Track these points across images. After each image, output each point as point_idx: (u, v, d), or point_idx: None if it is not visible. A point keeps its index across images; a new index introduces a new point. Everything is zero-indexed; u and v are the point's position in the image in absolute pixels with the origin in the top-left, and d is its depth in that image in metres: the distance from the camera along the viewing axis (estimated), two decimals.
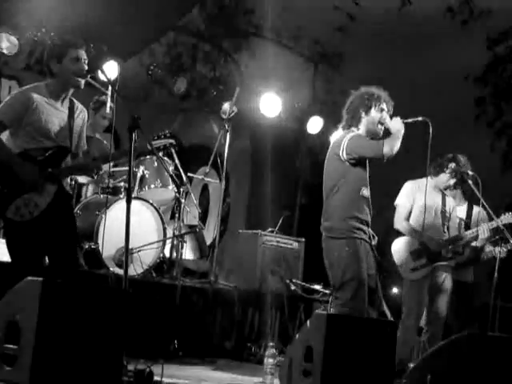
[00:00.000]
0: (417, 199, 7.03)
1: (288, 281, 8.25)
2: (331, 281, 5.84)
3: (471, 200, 7.70)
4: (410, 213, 7.07)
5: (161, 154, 7.12)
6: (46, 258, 5.42)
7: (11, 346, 4.03)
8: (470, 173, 6.93)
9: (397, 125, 5.78)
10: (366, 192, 5.83)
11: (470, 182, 6.92)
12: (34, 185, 5.17)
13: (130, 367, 4.61)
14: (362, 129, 5.90)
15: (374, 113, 5.86)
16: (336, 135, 6.05)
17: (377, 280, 5.94)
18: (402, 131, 5.75)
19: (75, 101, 5.53)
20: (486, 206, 6.89)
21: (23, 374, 3.90)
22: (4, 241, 5.43)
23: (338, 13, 12.57)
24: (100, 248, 6.86)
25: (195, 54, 11.87)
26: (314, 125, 10.83)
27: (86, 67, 5.31)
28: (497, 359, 5.73)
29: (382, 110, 5.87)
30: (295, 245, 8.69)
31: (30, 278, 4.19)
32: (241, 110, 8.91)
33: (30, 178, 5.16)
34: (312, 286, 8.42)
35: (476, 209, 7.59)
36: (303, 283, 8.42)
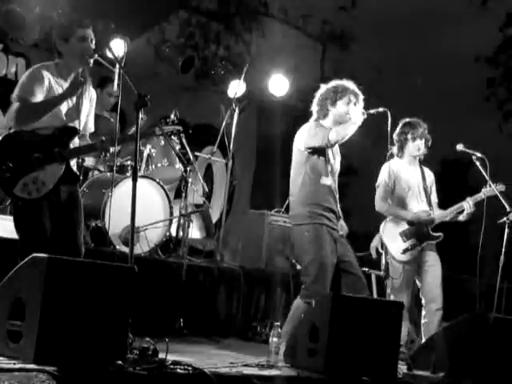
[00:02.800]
0: (397, 178, 7.04)
1: (294, 260, 8.26)
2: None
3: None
4: (392, 194, 7.06)
5: None
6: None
7: (16, 322, 4.04)
8: (478, 154, 6.92)
9: (355, 116, 6.00)
10: (327, 181, 6.07)
11: (477, 163, 6.90)
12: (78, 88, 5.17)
13: (135, 345, 4.62)
14: (329, 121, 6.12)
15: (340, 105, 6.09)
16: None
17: (355, 265, 6.10)
18: (358, 121, 5.96)
19: None
20: (494, 188, 6.87)
21: (28, 351, 3.91)
22: (10, 218, 5.44)
23: None
24: (106, 226, 6.86)
25: (207, 33, 11.84)
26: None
27: (94, 46, 5.29)
28: (502, 340, 5.74)
29: (348, 102, 6.08)
30: None
31: (35, 254, 4.19)
32: (249, 90, 8.90)
33: (77, 86, 5.17)
34: None
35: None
36: None
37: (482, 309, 7.79)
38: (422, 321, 6.92)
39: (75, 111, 5.35)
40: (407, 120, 7.10)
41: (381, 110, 6.12)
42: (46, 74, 5.22)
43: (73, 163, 5.41)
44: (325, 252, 5.88)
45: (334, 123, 6.09)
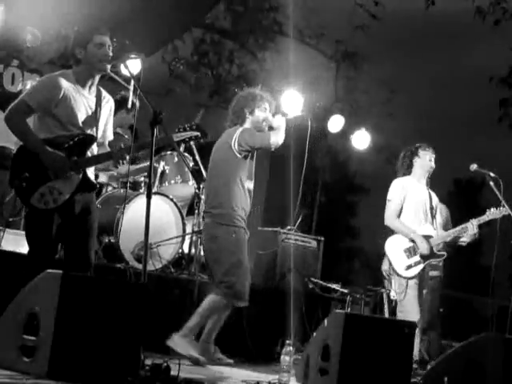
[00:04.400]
0: (408, 196, 7.06)
1: (306, 279, 8.25)
2: (212, 264, 6.22)
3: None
4: (401, 210, 7.09)
5: (182, 148, 7.12)
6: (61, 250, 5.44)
7: (30, 337, 4.05)
8: (492, 174, 6.92)
9: (279, 121, 6.33)
10: (250, 185, 6.34)
11: (491, 183, 6.90)
12: (60, 172, 5.17)
13: (147, 362, 4.61)
14: (247, 127, 6.36)
15: (258, 112, 6.39)
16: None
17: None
18: (284, 125, 6.31)
19: (102, 90, 5.53)
20: (507, 208, 6.86)
21: (42, 366, 3.92)
22: (23, 232, 5.45)
23: (361, 12, 12.52)
24: (119, 242, 6.87)
25: (221, 51, 11.88)
26: (335, 124, 10.79)
27: (111, 53, 5.31)
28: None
29: (265, 109, 6.41)
30: (314, 243, 8.68)
31: (49, 270, 4.21)
32: None
33: (57, 166, 5.16)
34: (330, 285, 8.42)
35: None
36: (321, 282, 8.42)
37: (495, 330, 7.74)
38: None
39: (93, 119, 5.36)
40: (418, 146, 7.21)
41: (300, 114, 6.34)
42: (62, 83, 5.25)
43: (90, 172, 5.41)
44: (245, 254, 6.21)
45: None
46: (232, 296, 6.09)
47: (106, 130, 5.57)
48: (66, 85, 5.25)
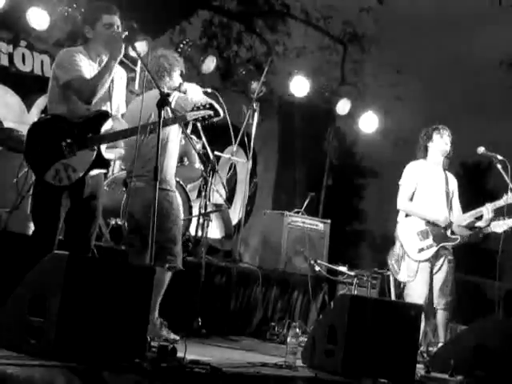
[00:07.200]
0: (421, 179, 7.04)
1: (313, 261, 8.26)
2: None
3: None
4: (413, 194, 7.07)
5: (189, 130, 7.12)
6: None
7: (37, 318, 4.06)
8: (500, 157, 6.90)
9: (195, 93, 5.95)
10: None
11: (498, 166, 6.88)
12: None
13: (154, 343, 4.63)
14: (182, 95, 5.99)
15: (176, 77, 6.11)
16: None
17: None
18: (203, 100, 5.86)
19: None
20: None
21: (48, 347, 3.93)
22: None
23: None
24: (126, 224, 6.87)
25: (229, 34, 11.85)
26: (343, 106, 10.77)
27: None
28: None
29: (181, 74, 6.13)
30: (320, 226, 8.69)
31: (56, 251, 4.21)
32: (269, 90, 8.90)
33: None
34: (336, 268, 8.43)
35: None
36: (328, 264, 8.43)
37: (501, 313, 7.75)
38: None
39: (107, 93, 5.33)
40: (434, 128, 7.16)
41: (208, 90, 6.07)
42: (80, 55, 5.24)
43: (104, 148, 5.36)
44: (180, 216, 6.15)
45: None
46: (175, 261, 5.95)
47: (120, 103, 5.56)
48: (82, 57, 5.24)
